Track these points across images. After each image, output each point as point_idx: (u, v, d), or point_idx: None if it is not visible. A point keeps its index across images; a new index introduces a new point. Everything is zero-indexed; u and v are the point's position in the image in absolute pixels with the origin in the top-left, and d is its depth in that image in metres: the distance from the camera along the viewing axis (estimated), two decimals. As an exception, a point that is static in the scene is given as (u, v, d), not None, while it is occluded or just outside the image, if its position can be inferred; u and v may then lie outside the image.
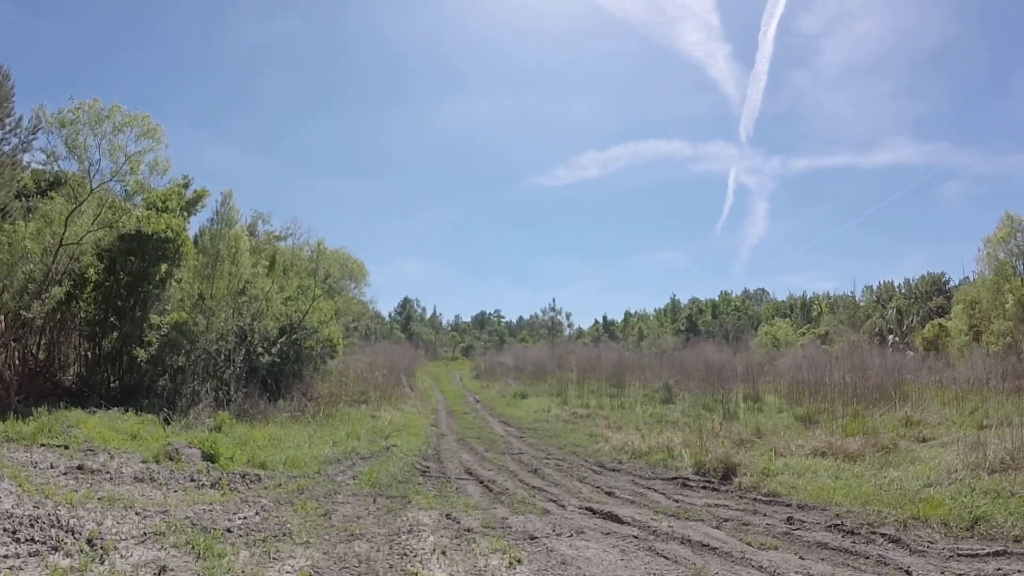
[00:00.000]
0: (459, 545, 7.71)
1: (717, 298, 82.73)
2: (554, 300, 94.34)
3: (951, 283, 60.67)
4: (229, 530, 8.09)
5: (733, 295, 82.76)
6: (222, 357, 21.25)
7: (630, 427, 19.10)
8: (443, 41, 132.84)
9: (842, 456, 13.75)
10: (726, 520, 9.25)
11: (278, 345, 23.77)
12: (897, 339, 43.90)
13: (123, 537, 7.25)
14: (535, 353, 47.93)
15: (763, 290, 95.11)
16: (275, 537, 7.90)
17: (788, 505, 10.18)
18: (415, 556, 7.27)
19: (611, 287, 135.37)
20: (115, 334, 19.53)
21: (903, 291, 66.04)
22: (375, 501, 10.15)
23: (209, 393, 20.26)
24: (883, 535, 8.38)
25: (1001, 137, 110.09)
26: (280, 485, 11.28)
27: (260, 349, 22.74)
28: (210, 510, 9.10)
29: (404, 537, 8.03)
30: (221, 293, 21.62)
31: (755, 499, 10.70)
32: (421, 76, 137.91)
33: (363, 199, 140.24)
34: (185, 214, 21.45)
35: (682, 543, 8.04)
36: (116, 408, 16.90)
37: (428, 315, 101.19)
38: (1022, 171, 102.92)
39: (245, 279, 22.77)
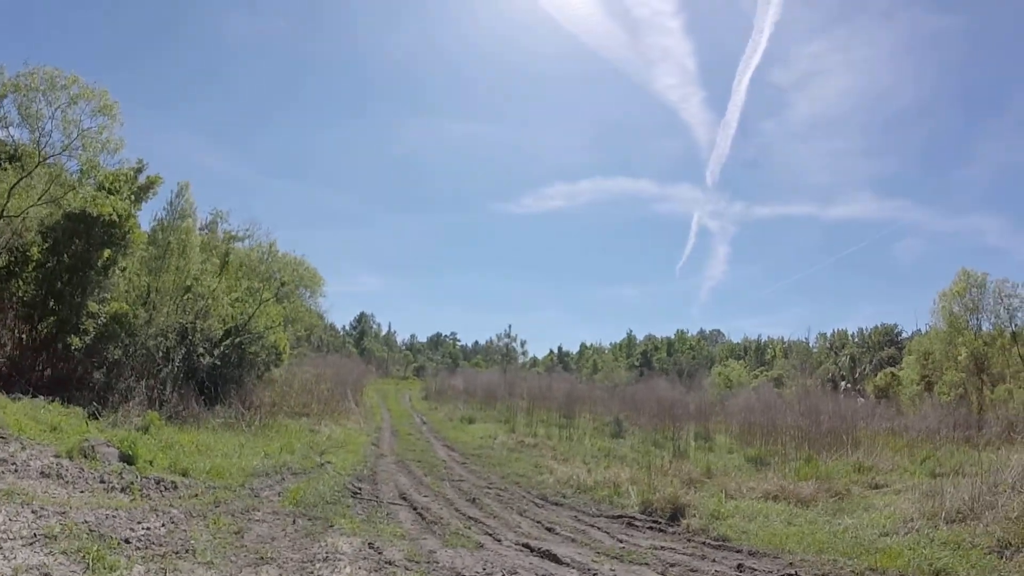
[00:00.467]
0: (376, 579, 6.93)
1: (673, 336, 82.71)
2: (510, 327, 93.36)
3: (903, 335, 61.66)
4: (128, 540, 7.38)
5: (689, 334, 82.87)
6: (160, 354, 20.14)
7: (577, 460, 18.36)
8: (418, 62, 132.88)
9: (794, 500, 13.21)
10: (672, 565, 8.53)
11: (221, 348, 22.67)
12: (849, 385, 43.94)
13: (11, 536, 6.61)
14: (487, 378, 47.01)
15: (718, 331, 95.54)
16: (176, 553, 7.18)
17: (739, 551, 9.50)
18: (324, 589, 6.48)
19: (569, 318, 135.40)
20: (52, 319, 18.41)
21: (856, 340, 66.88)
22: (295, 522, 9.28)
23: (143, 391, 19.17)
24: (839, 588, 7.75)
25: (958, 199, 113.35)
26: (196, 495, 10.42)
27: (201, 350, 21.64)
28: (114, 516, 8.35)
29: (318, 566, 7.22)
30: (167, 288, 20.63)
31: (704, 543, 10.00)
32: (392, 93, 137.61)
33: (326, 209, 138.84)
34: (134, 199, 20.33)
35: (624, 589, 7.33)
36: (44, 397, 15.91)
37: (383, 332, 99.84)
38: (975, 232, 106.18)
39: (193, 275, 21.73)
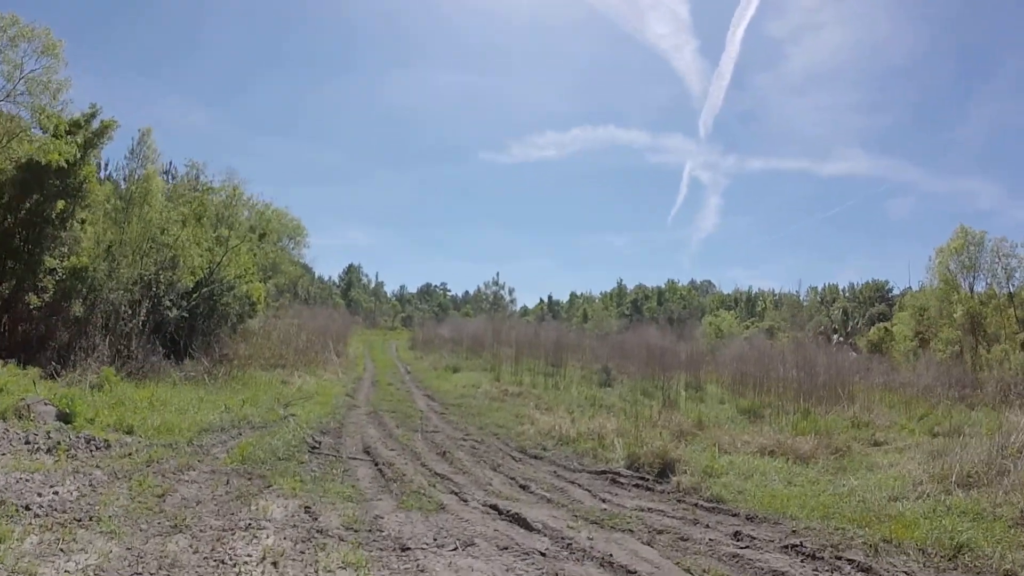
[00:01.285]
0: (301, 553, 5.77)
1: (663, 286, 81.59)
2: (497, 274, 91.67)
3: (894, 291, 61.05)
4: (29, 507, 6.41)
5: (680, 284, 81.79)
6: (123, 309, 18.86)
7: (561, 409, 17.21)
8: (404, 12, 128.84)
9: (793, 457, 12.16)
10: (660, 532, 7.36)
11: (192, 299, 21.33)
12: (842, 339, 42.94)
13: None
14: (474, 326, 45.71)
15: (709, 282, 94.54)
16: (79, 521, 6.16)
17: (735, 515, 8.34)
18: (234, 565, 5.35)
19: (559, 267, 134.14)
20: (12, 279, 17.22)
21: (847, 295, 66.16)
22: (228, 482, 8.10)
23: (106, 348, 17.98)
24: (851, 561, 6.65)
25: (951, 159, 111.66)
26: (130, 454, 9.31)
27: (168, 302, 20.31)
28: (27, 480, 7.42)
29: (237, 535, 6.09)
30: (130, 239, 19.29)
31: (696, 504, 8.84)
32: (376, 45, 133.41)
33: (313, 164, 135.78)
34: (87, 145, 18.70)
35: (601, 566, 6.11)
36: (2, 360, 14.90)
37: (372, 284, 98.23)
38: (967, 193, 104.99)
39: (158, 225, 20.31)
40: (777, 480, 10.31)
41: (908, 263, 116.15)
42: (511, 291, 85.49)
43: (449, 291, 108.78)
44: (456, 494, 8.62)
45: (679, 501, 9.06)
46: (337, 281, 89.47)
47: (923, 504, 8.66)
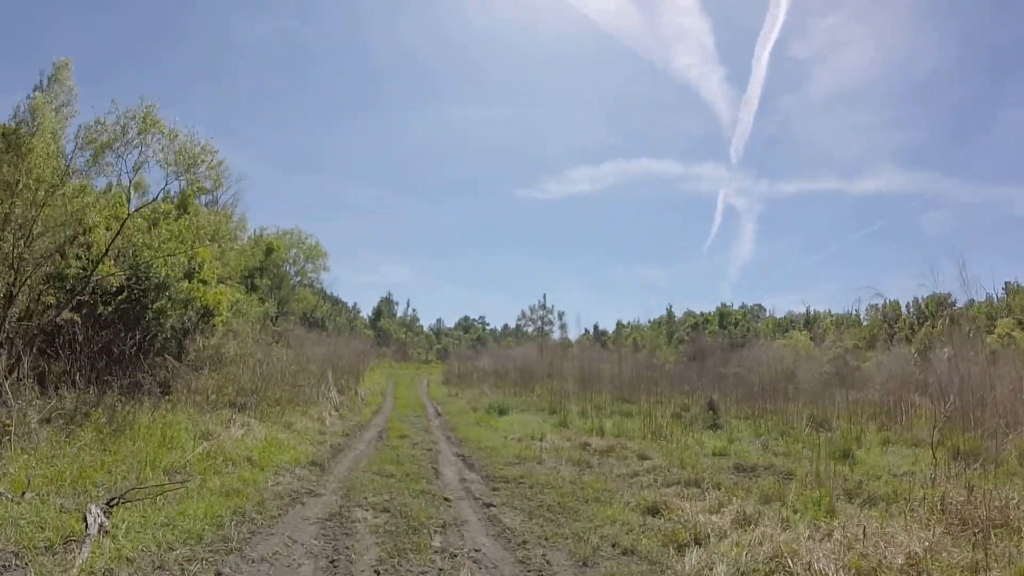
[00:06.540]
0: None
1: (715, 311, 72.54)
2: (544, 297, 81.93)
3: (956, 304, 53.56)
4: None
5: (733, 307, 72.50)
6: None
7: (725, 492, 8.48)
8: (429, 52, 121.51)
9: None
10: None
11: (112, 304, 12.92)
12: (952, 351, 33.90)
13: None
14: (522, 355, 36.66)
15: (759, 306, 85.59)
16: None
17: None
18: None
19: (599, 300, 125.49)
20: None
21: (912, 310, 57.93)
22: None
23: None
24: None
25: (983, 168, 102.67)
26: None
27: (53, 299, 11.94)
28: None
29: None
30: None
31: None
32: (405, 84, 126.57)
33: (350, 202, 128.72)
34: None
35: None
36: None
37: (408, 315, 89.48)
38: (1002, 201, 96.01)
39: (43, 179, 11.94)
40: None
41: (951, 275, 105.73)
42: (561, 315, 75.46)
43: (488, 324, 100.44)
44: None
45: None
46: (371, 315, 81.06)
47: None
